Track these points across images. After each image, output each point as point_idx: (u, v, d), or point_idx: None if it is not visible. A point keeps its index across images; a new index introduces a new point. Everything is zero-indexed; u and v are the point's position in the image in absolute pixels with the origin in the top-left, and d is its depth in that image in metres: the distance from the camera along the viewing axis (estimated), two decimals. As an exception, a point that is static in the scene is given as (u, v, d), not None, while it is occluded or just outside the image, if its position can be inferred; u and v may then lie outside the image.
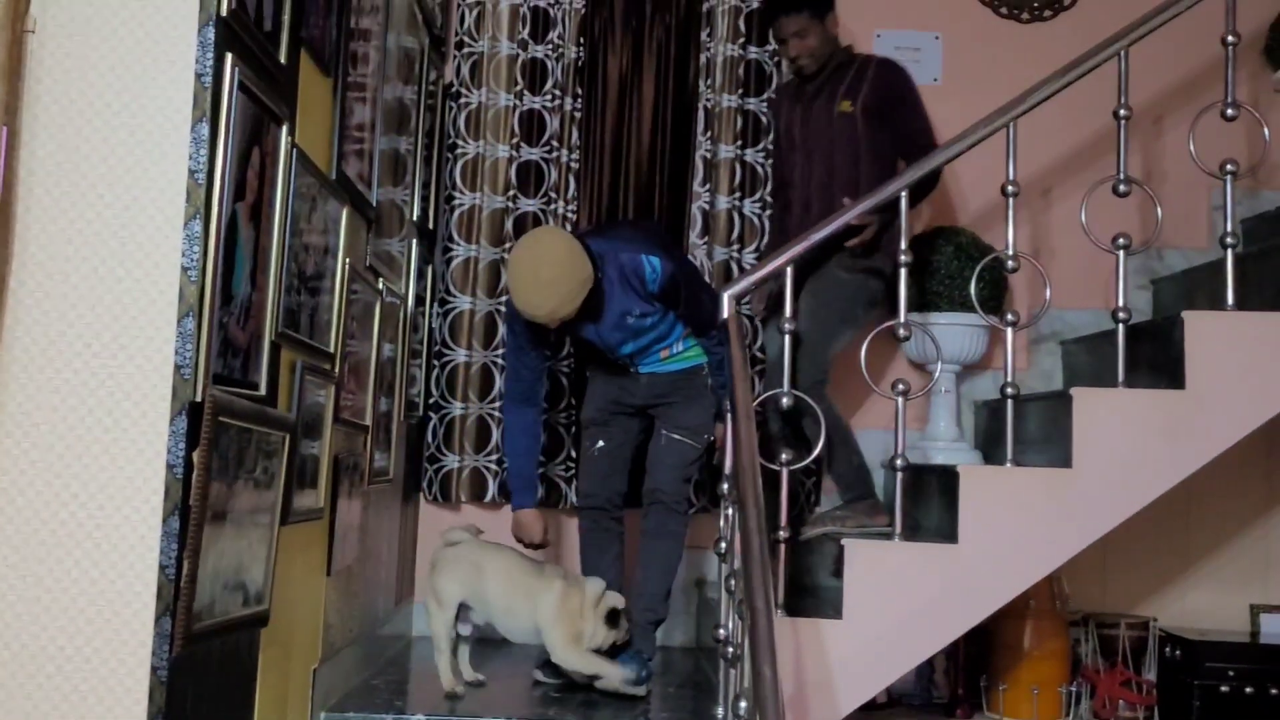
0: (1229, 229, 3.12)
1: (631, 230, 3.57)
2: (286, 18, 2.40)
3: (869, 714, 3.46)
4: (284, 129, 2.38)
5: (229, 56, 2.09)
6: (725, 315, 3.05)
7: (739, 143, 4.13)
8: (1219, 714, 3.67)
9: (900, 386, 3.01)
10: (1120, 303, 3.09)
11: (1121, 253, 3.10)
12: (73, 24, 2.04)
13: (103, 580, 1.97)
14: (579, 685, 3.27)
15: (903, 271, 3.06)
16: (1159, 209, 3.20)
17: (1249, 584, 4.12)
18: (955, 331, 3.94)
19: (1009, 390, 3.05)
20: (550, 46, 4.17)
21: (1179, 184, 4.11)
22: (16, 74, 2.00)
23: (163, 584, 1.97)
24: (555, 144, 4.15)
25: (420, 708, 3.01)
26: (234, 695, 2.34)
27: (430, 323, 4.08)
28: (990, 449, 3.95)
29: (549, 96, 4.16)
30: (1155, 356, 3.18)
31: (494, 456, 4.01)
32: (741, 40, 4.15)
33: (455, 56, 4.19)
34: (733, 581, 2.69)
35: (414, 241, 3.79)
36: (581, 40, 4.20)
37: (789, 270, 3.06)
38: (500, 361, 3.96)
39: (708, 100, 4.20)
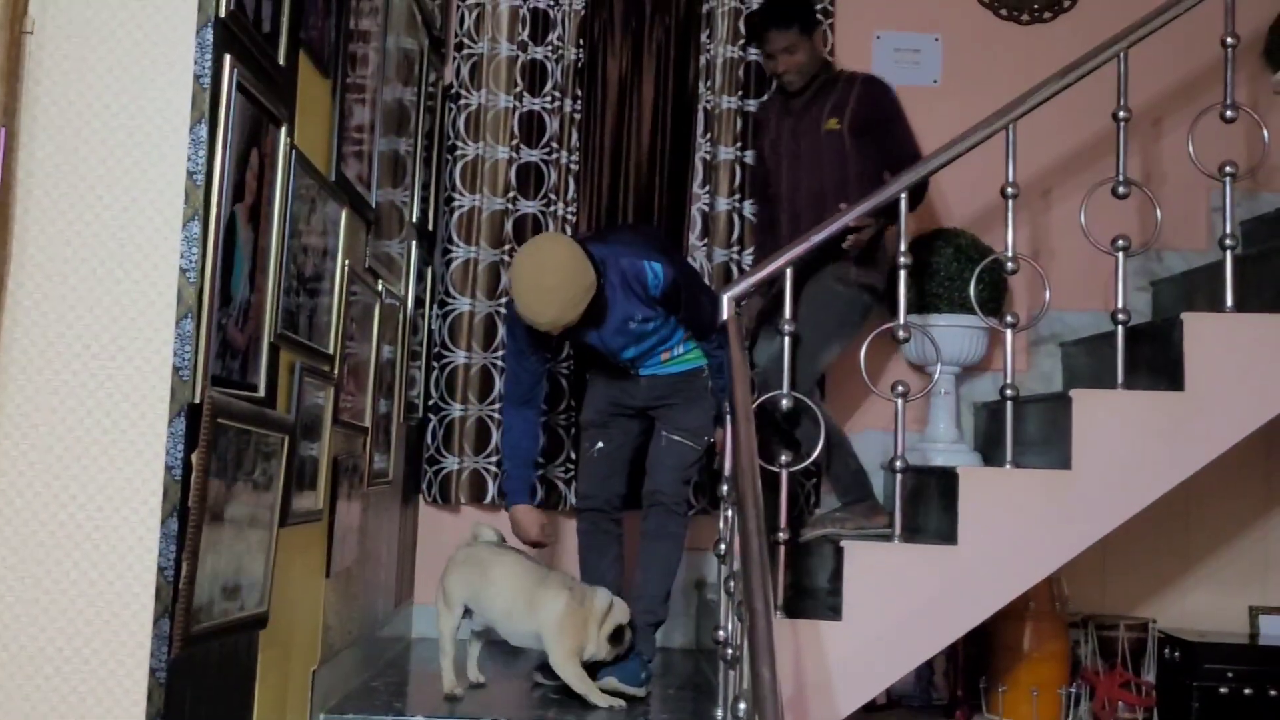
0: (1228, 231, 3.13)
1: (632, 235, 3.57)
2: (285, 19, 2.39)
3: (868, 715, 3.46)
4: (283, 130, 2.38)
5: (228, 58, 2.09)
6: (725, 317, 3.05)
7: (739, 144, 4.13)
8: (1218, 715, 3.67)
9: (900, 388, 3.01)
10: (1119, 304, 3.09)
11: (1121, 254, 3.11)
12: (71, 25, 2.04)
13: (101, 582, 1.97)
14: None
15: (902, 273, 3.06)
16: (1158, 211, 3.21)
17: (1248, 585, 4.12)
18: (955, 333, 3.94)
19: (1008, 392, 3.05)
20: (550, 48, 4.17)
21: (1178, 186, 4.11)
22: (15, 75, 2.00)
23: (161, 585, 1.97)
24: (555, 145, 4.15)
25: (419, 709, 3.01)
26: (233, 697, 2.33)
27: (430, 324, 4.08)
28: (990, 450, 3.95)
29: (549, 98, 4.15)
30: (1154, 358, 3.19)
31: (494, 458, 4.00)
32: (741, 42, 4.15)
33: (455, 58, 4.19)
34: (732, 583, 2.69)
35: (413, 243, 3.79)
36: (581, 42, 4.19)
37: (789, 272, 3.06)
38: (500, 363, 3.96)
39: (707, 102, 4.20)
